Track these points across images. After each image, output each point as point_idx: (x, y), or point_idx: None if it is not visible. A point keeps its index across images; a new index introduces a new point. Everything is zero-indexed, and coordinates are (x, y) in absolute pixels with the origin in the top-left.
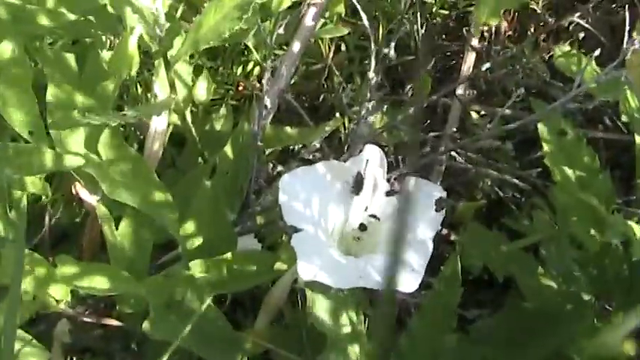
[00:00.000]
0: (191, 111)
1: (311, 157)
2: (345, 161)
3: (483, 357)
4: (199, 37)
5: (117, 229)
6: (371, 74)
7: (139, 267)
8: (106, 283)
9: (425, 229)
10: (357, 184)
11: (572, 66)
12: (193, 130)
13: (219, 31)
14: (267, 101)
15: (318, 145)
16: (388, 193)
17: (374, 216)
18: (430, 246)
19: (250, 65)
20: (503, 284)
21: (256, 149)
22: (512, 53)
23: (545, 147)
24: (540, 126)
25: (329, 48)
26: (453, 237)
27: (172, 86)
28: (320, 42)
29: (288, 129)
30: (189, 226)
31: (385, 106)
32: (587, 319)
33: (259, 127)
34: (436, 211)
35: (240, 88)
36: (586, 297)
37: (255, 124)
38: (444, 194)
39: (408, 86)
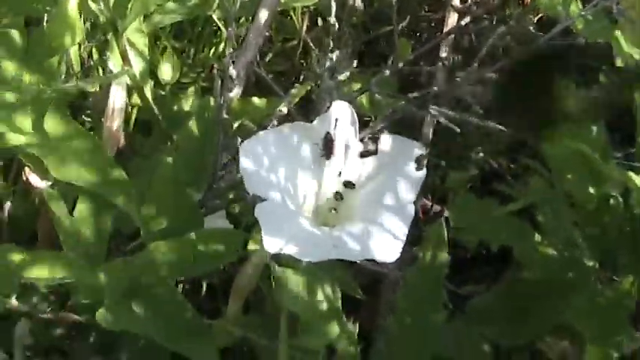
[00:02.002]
0: (157, 93)
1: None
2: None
3: (480, 336)
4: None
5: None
6: (332, 19)
7: (96, 254)
8: (57, 271)
9: (405, 190)
10: (327, 147)
11: (557, 5)
12: (156, 109)
13: None
14: (232, 72)
15: (285, 111)
16: (363, 155)
17: (349, 182)
18: (411, 209)
19: (222, 46)
20: (502, 259)
21: (222, 123)
22: (498, 15)
23: None
24: None
25: (303, 21)
26: (446, 214)
27: (125, 58)
28: (294, 15)
29: (255, 99)
30: (150, 208)
31: (359, 71)
32: (590, 287)
33: (224, 99)
34: (416, 169)
35: (213, 70)
36: (588, 263)
37: (220, 95)
38: (423, 151)
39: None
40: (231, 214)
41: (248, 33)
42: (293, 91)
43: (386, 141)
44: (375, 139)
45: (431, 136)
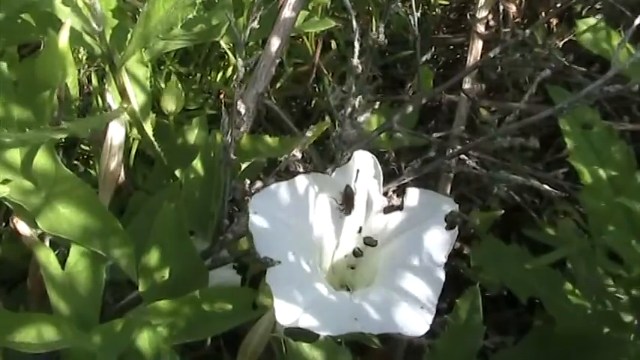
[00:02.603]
0: (160, 123)
1: (294, 170)
2: (330, 173)
3: None
4: (148, 31)
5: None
6: (355, 61)
7: (89, 312)
8: (46, 336)
9: (434, 251)
10: (347, 201)
11: (600, 42)
12: (156, 144)
13: (171, 21)
14: (241, 106)
15: (299, 156)
16: (386, 210)
17: (370, 239)
18: (442, 274)
19: (230, 70)
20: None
21: (229, 164)
22: (523, 39)
23: (569, 143)
24: (561, 119)
25: (316, 45)
26: (466, 250)
27: (124, 93)
28: (306, 39)
29: (267, 138)
30: (149, 261)
31: (378, 104)
32: (628, 345)
33: (232, 137)
34: (447, 229)
35: (221, 96)
36: (627, 318)
37: (227, 133)
38: (455, 207)
39: (409, 85)
40: (238, 262)
41: (259, 62)
42: (308, 133)
43: (413, 195)
44: (400, 193)
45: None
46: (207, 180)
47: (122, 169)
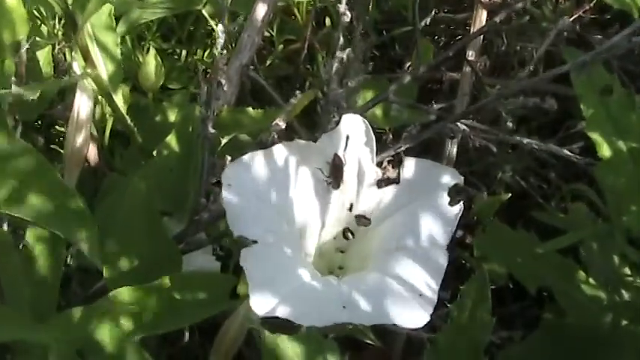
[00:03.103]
0: (139, 101)
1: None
2: (315, 140)
3: None
4: None
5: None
6: (342, 7)
7: (45, 303)
8: None
9: (435, 231)
10: (335, 172)
11: None
12: (130, 120)
13: None
14: (222, 76)
15: (283, 125)
16: (380, 183)
17: (362, 217)
18: (444, 258)
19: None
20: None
21: (208, 138)
22: (530, 11)
23: (585, 111)
24: (577, 82)
25: (308, 20)
26: (469, 240)
27: (87, 57)
28: (298, 13)
29: (249, 110)
30: (114, 245)
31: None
32: None
33: (212, 109)
34: (450, 204)
35: (208, 75)
36: None
37: (205, 105)
38: (460, 179)
39: (407, 65)
40: (218, 249)
41: (244, 31)
42: (294, 99)
43: (411, 166)
44: (396, 164)
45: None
46: (183, 156)
47: (95, 149)
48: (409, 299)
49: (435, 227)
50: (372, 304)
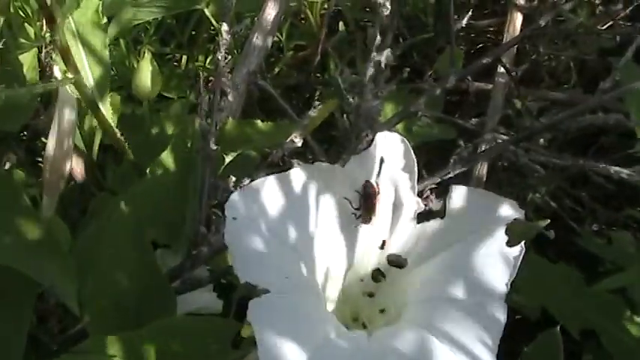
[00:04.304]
0: (133, 111)
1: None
2: (343, 164)
3: None
4: None
5: None
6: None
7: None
8: None
9: (491, 280)
10: (366, 204)
11: None
12: (117, 131)
13: None
14: (225, 84)
15: (299, 143)
16: (421, 217)
17: (397, 258)
18: (502, 312)
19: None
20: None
21: (209, 156)
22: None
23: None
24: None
25: (322, 24)
26: None
27: (69, 62)
28: (310, 15)
29: (257, 123)
30: (96, 282)
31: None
32: None
33: (214, 122)
34: (509, 245)
35: (210, 84)
36: None
37: (206, 116)
38: (520, 213)
39: (429, 74)
40: (221, 284)
41: (251, 34)
42: (311, 112)
43: (459, 196)
44: (441, 193)
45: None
46: (181, 177)
47: (82, 164)
48: None
49: (491, 273)
50: None
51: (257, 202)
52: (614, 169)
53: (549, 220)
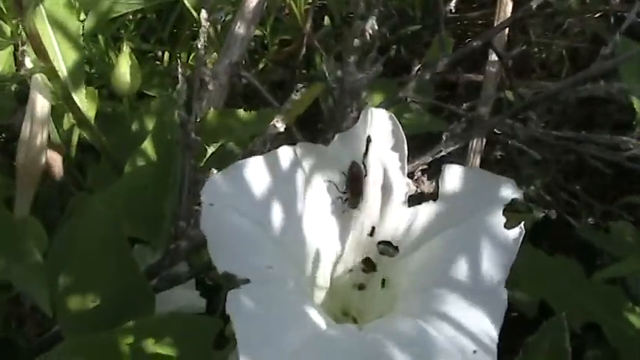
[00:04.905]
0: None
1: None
2: (327, 144)
3: None
4: None
5: None
6: None
7: None
8: None
9: (490, 264)
10: (353, 186)
11: None
12: (94, 125)
13: None
14: (205, 74)
15: (281, 128)
16: (413, 200)
17: (387, 244)
18: (503, 298)
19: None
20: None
21: (189, 146)
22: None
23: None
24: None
25: (307, 17)
26: None
27: (37, 46)
28: (295, 9)
29: (240, 112)
30: (70, 282)
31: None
32: None
33: (193, 112)
34: (508, 227)
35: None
36: None
37: (185, 106)
38: (519, 193)
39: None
40: (204, 282)
41: (233, 24)
42: (294, 96)
43: (453, 177)
44: (433, 174)
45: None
46: (160, 171)
47: (60, 162)
48: (460, 355)
49: (489, 257)
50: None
51: (237, 186)
52: (621, 138)
53: (545, 211)
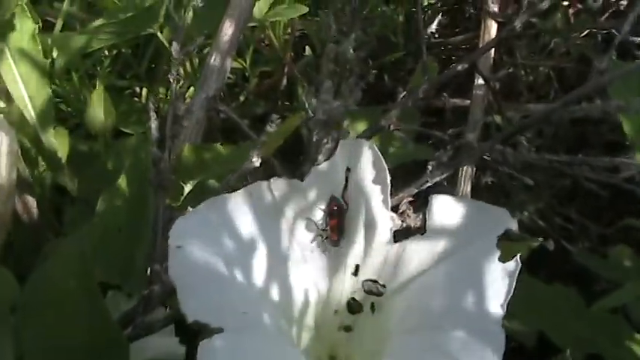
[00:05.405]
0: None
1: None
2: (302, 178)
3: None
4: None
5: None
6: None
7: None
8: None
9: (486, 300)
10: (333, 223)
11: None
12: (64, 168)
13: None
14: (179, 107)
15: (257, 163)
16: (398, 235)
17: (372, 283)
18: (501, 336)
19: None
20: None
21: (162, 186)
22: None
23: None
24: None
25: (286, 48)
26: None
27: (2, 90)
28: (274, 38)
29: (217, 147)
30: (41, 331)
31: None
32: None
33: (167, 148)
34: (502, 260)
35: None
36: None
37: (158, 142)
38: (514, 224)
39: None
40: (183, 327)
41: (209, 57)
42: (270, 128)
43: (442, 208)
44: (420, 206)
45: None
46: (135, 211)
47: (34, 206)
48: None
49: (485, 293)
50: None
51: (208, 225)
52: (621, 160)
53: (542, 238)
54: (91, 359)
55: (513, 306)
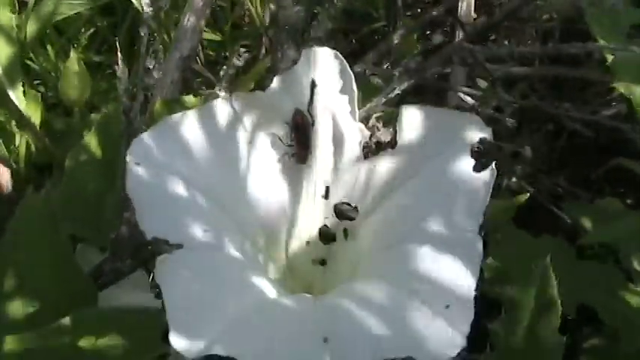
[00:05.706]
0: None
1: None
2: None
3: None
4: None
5: None
6: None
7: None
8: None
9: (460, 211)
10: (299, 138)
11: None
12: (34, 127)
13: None
14: (149, 63)
15: (222, 94)
16: (368, 151)
17: (344, 206)
18: (478, 244)
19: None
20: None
21: (132, 137)
22: None
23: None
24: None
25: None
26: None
27: None
28: (251, 6)
29: (188, 99)
30: (11, 283)
31: None
32: None
33: (138, 100)
34: (476, 169)
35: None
36: None
37: (126, 93)
38: (487, 132)
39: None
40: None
41: (183, 17)
42: (236, 61)
43: (412, 119)
44: (390, 118)
45: None
46: (105, 166)
47: (7, 175)
48: (430, 316)
49: (459, 204)
50: (366, 333)
51: (168, 144)
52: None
53: (529, 195)
54: (60, 307)
55: (505, 261)
